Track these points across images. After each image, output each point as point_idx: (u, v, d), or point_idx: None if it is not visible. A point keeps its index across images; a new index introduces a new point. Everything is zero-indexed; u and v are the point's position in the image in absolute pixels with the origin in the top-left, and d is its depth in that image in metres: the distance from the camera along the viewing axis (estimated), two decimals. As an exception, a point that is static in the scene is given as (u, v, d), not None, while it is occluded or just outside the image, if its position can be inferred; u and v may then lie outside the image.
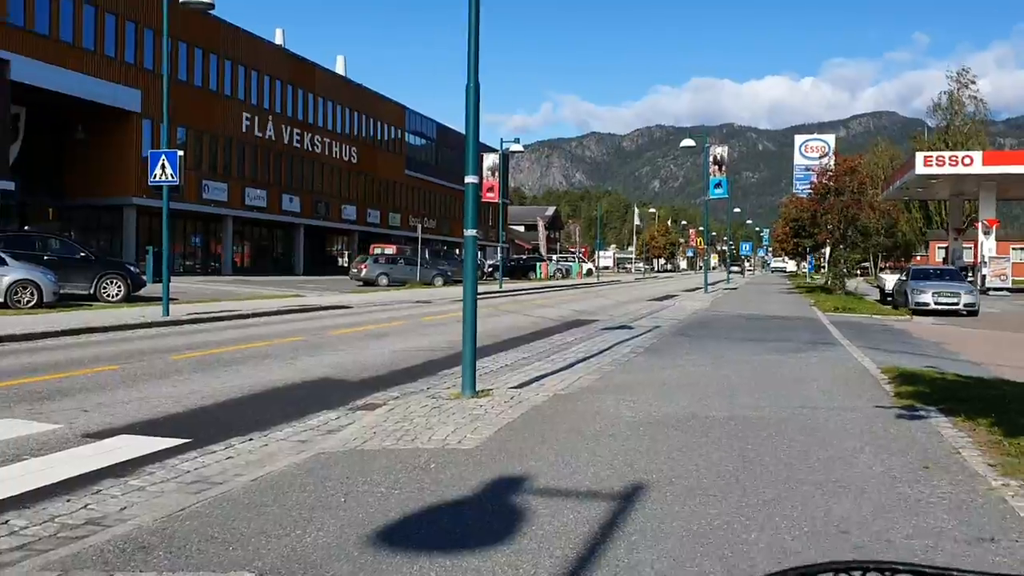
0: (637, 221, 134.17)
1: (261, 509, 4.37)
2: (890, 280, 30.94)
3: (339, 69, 65.11)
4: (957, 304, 24.80)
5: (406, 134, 68.21)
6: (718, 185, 36.56)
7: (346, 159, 59.10)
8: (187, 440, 6.50)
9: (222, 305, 22.39)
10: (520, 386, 9.13)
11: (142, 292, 24.26)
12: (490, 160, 39.20)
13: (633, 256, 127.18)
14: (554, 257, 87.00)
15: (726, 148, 36.96)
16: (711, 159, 36.58)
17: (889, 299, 30.85)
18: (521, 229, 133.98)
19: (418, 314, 21.69)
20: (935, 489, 4.71)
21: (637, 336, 16.01)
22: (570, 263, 78.31)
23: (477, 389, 8.22)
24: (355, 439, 6.27)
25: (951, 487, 4.76)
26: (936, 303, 24.83)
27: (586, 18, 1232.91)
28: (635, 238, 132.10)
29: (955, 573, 0.73)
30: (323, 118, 56.67)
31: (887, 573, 0.74)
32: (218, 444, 6.37)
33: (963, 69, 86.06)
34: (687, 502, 4.50)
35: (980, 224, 42.97)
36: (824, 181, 31.39)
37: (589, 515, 4.26)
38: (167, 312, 17.92)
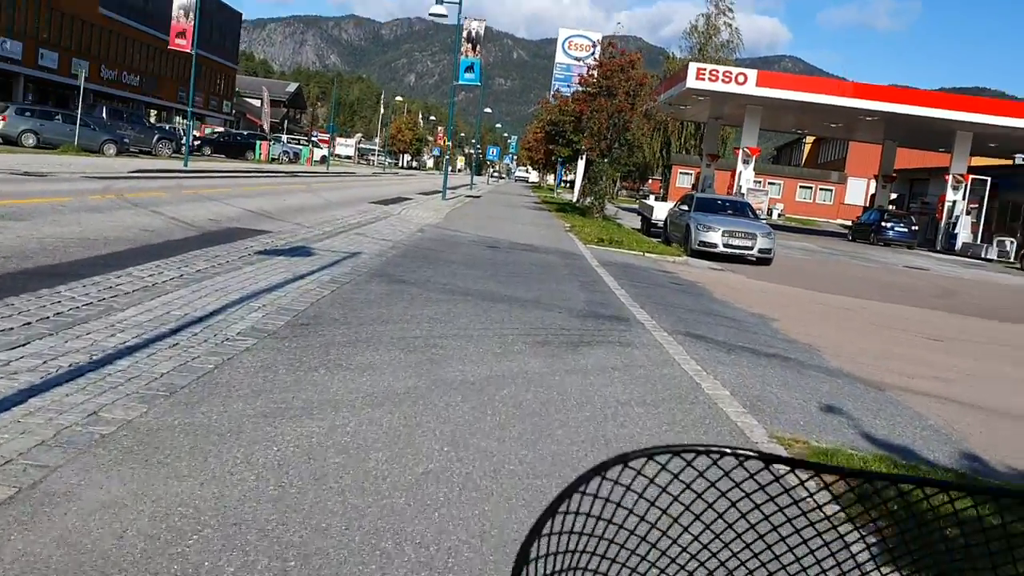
0: (383, 111, 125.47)
1: None
2: (660, 208, 25.98)
3: None
4: (751, 249, 20.01)
5: (103, -38, 54.97)
6: (469, 68, 29.82)
7: (8, -23, 45.83)
8: None
9: None
10: None
11: None
12: (183, -4, 29.72)
13: (377, 149, 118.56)
14: (284, 138, 77.05)
15: (483, 24, 30.15)
16: (464, 35, 29.67)
17: (654, 230, 25.97)
18: (258, 104, 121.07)
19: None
20: None
21: (304, 277, 9.06)
22: (300, 147, 69.09)
23: None
24: None
25: None
26: (726, 245, 19.88)
27: None
28: (379, 129, 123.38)
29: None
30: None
31: (740, 457, 0.80)
32: None
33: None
34: None
35: (740, 151, 39.77)
36: (595, 76, 25.48)
37: None
38: None
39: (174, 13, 29.86)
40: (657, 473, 0.85)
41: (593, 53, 41.68)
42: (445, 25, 29.39)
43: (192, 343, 5.67)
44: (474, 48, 29.91)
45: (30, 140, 31.11)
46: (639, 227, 27.75)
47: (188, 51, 30.44)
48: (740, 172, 39.05)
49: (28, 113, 32.12)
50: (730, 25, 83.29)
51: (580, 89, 27.72)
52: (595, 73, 25.42)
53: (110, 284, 7.42)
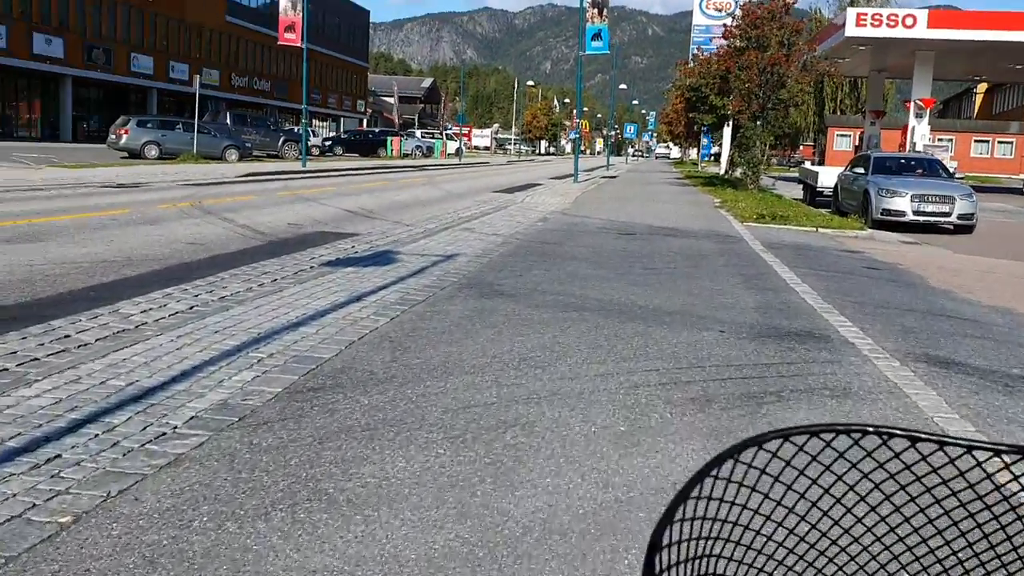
0: (517, 99, 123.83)
1: None
2: (826, 173, 22.33)
3: None
4: (948, 215, 16.46)
5: (229, -30, 55.13)
6: (596, 36, 26.92)
7: (136, -6, 46.21)
8: None
9: None
10: None
11: None
12: (290, -16, 28.10)
13: (512, 137, 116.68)
14: (417, 132, 76.31)
15: (610, -15, 27.14)
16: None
17: (821, 199, 22.43)
18: (393, 101, 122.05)
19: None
20: None
21: (363, 298, 6.66)
22: (434, 140, 67.94)
23: None
24: None
25: None
26: (916, 212, 16.39)
27: None
28: (515, 117, 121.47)
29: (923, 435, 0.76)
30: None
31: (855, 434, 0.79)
32: None
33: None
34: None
35: (912, 104, 35.00)
36: (743, 26, 21.97)
37: None
38: None
39: (281, 6, 28.39)
40: (794, 455, 0.79)
41: (734, 10, 37.80)
42: (577, 8, 26.80)
43: (84, 454, 3.26)
44: (600, 13, 26.99)
45: (152, 152, 30.53)
46: (801, 197, 24.19)
47: (298, 45, 28.90)
48: (913, 128, 34.39)
49: (150, 125, 31.54)
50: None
51: (725, 44, 24.27)
52: (742, 23, 21.97)
53: (68, 332, 5.17)
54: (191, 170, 24.21)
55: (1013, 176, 62.82)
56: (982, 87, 76.11)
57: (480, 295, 7.00)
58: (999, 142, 67.70)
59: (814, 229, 14.80)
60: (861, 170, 19.00)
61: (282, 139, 39.18)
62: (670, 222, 15.01)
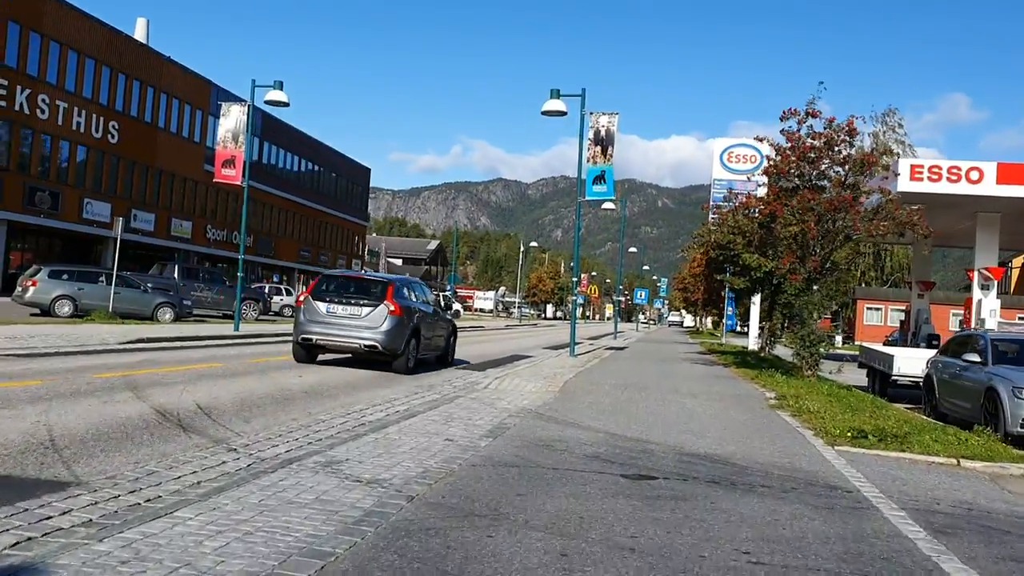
0: (522, 262, 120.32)
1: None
2: (906, 357, 16.48)
3: (139, 36, 48.66)
4: None
5: (210, 118, 51.61)
6: (599, 179, 21.78)
7: (97, 136, 41.99)
8: None
9: None
10: None
11: None
12: (233, 118, 23.30)
13: (516, 300, 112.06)
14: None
15: (615, 120, 22.22)
16: (589, 135, 21.79)
17: (893, 390, 16.53)
18: (399, 263, 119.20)
19: None
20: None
21: None
22: (428, 303, 62.83)
23: None
24: None
25: None
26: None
27: (500, 65, 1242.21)
28: (518, 280, 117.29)
29: None
30: (56, 70, 39.29)
31: None
32: None
33: (890, 110, 75.12)
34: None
35: (976, 274, 29.58)
36: (793, 160, 16.48)
37: None
38: None
39: (219, 137, 23.53)
40: None
41: (759, 165, 32.97)
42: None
43: None
44: (604, 153, 21.95)
45: (65, 308, 25.08)
46: (865, 386, 18.23)
47: (238, 184, 23.90)
48: (979, 301, 28.86)
49: (65, 276, 26.14)
50: (902, 142, 73.40)
51: (766, 182, 18.80)
52: (790, 155, 16.51)
53: None
54: (65, 333, 18.51)
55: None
56: (1018, 260, 71.31)
57: None
58: (1046, 319, 61.99)
59: (954, 461, 8.72)
60: (975, 357, 13.12)
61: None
62: (712, 441, 8.98)
